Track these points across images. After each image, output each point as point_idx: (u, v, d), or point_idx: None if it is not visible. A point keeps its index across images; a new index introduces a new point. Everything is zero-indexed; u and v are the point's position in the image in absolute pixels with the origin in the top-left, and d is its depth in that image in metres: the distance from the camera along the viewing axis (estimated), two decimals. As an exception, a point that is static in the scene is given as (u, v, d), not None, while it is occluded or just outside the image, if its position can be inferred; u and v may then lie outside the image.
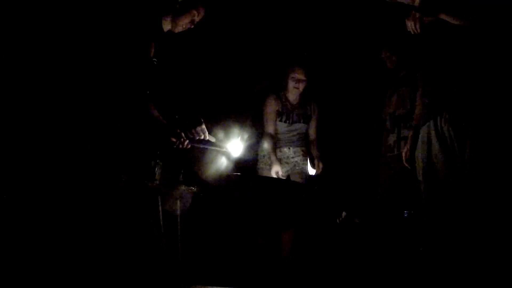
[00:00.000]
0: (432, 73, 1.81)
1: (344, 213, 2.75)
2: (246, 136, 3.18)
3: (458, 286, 1.65)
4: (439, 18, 1.70)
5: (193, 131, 1.88)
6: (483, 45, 1.68)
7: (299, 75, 3.09)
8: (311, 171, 3.18)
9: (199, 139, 1.91)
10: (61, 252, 1.60)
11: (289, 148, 3.15)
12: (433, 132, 1.76)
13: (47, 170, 1.67)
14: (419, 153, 1.84)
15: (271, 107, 3.15)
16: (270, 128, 3.14)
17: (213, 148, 2.06)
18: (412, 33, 1.78)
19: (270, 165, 3.07)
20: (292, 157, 3.15)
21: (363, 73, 3.60)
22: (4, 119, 1.79)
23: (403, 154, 2.31)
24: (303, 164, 3.16)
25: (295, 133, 3.18)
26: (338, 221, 2.77)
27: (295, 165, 3.14)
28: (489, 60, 1.68)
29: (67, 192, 1.63)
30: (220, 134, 2.14)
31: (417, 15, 1.72)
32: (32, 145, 1.73)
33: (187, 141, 1.87)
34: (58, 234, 1.60)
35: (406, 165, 2.26)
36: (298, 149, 3.17)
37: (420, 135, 1.86)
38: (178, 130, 1.84)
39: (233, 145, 2.13)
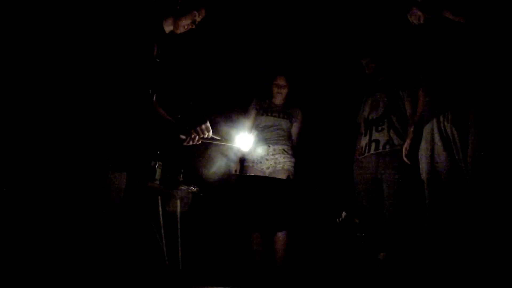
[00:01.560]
0: (435, 71, 1.80)
1: (344, 213, 2.76)
2: (252, 132, 3.24)
3: (459, 286, 1.65)
4: (441, 16, 1.70)
5: (198, 129, 1.88)
6: (486, 43, 1.67)
7: (281, 82, 3.41)
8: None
9: (203, 137, 1.92)
10: (60, 252, 1.59)
11: (269, 146, 3.29)
12: (436, 132, 1.76)
13: (46, 169, 1.66)
14: (422, 153, 1.83)
15: (251, 108, 3.46)
16: (245, 127, 3.36)
17: (221, 143, 2.08)
18: (415, 24, 1.77)
19: (253, 163, 3.26)
20: (272, 155, 3.27)
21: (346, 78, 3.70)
22: (5, 116, 1.78)
23: (403, 150, 2.31)
24: (284, 162, 3.26)
25: (274, 128, 3.32)
26: (338, 221, 2.77)
27: (276, 163, 3.25)
28: (493, 58, 1.66)
29: (66, 192, 1.62)
30: (225, 131, 2.16)
31: (419, 12, 1.72)
32: (32, 144, 1.72)
33: (197, 137, 1.89)
34: (57, 235, 1.59)
35: (406, 160, 2.26)
36: (278, 147, 3.29)
37: (423, 135, 1.85)
38: (187, 127, 1.85)
39: (241, 140, 2.15)
